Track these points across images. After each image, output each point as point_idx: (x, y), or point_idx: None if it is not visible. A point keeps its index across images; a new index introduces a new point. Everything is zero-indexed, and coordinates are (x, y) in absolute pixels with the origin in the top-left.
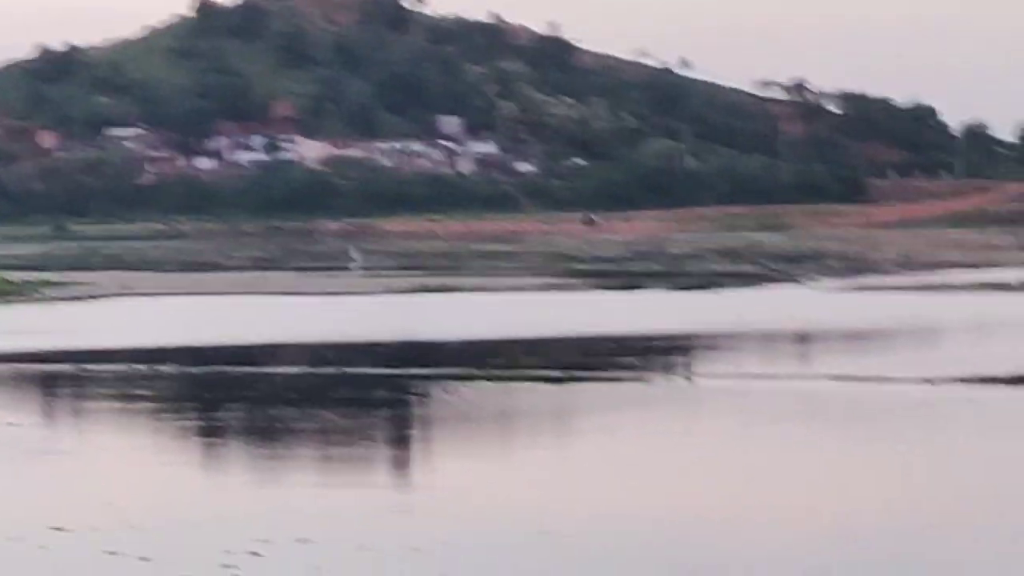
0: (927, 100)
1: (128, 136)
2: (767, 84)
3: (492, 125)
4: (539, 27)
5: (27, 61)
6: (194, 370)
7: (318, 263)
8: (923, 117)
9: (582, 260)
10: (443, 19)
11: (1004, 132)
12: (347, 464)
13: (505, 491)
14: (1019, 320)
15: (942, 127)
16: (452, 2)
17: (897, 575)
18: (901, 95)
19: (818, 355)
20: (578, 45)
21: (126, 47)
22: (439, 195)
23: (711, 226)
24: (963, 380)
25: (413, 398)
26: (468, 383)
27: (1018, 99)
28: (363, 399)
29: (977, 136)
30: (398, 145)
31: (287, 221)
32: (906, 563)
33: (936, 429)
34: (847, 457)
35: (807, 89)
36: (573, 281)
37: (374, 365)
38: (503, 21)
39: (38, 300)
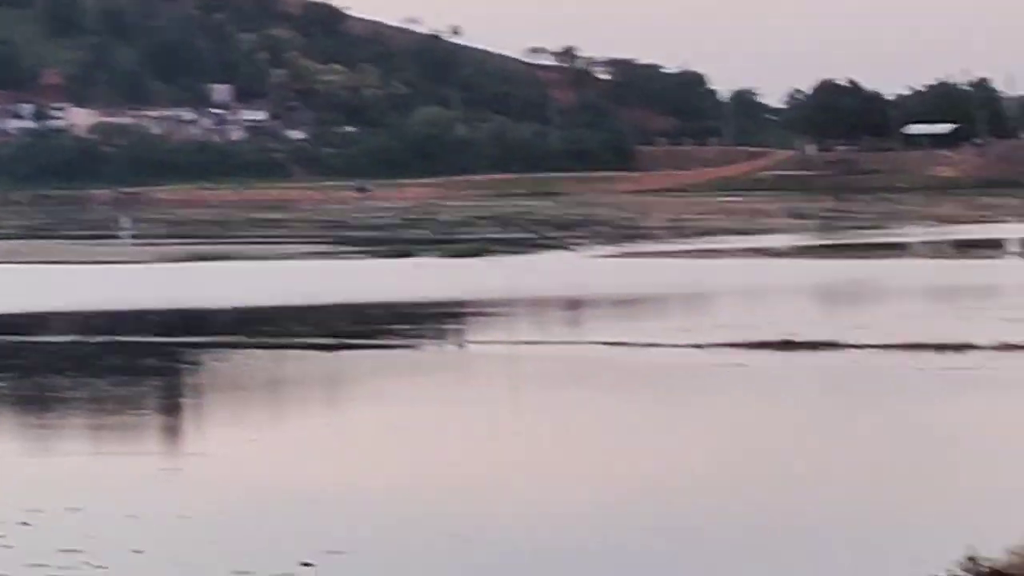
0: (696, 67)
1: None
2: (537, 51)
3: (262, 93)
4: None
5: None
6: None
7: (88, 231)
8: (692, 84)
9: (353, 228)
10: None
11: (773, 99)
12: (118, 433)
13: (274, 458)
14: (786, 285)
15: (711, 94)
16: None
17: (658, 527)
18: (670, 62)
19: (589, 321)
20: (348, 12)
21: None
22: (210, 163)
23: (482, 193)
24: (732, 345)
25: (184, 366)
26: (240, 351)
27: (786, 66)
28: (134, 367)
29: (745, 103)
30: (168, 113)
31: (57, 189)
32: (666, 515)
33: (704, 392)
34: (615, 419)
35: (577, 56)
36: (345, 249)
37: (145, 333)
38: None
39: None
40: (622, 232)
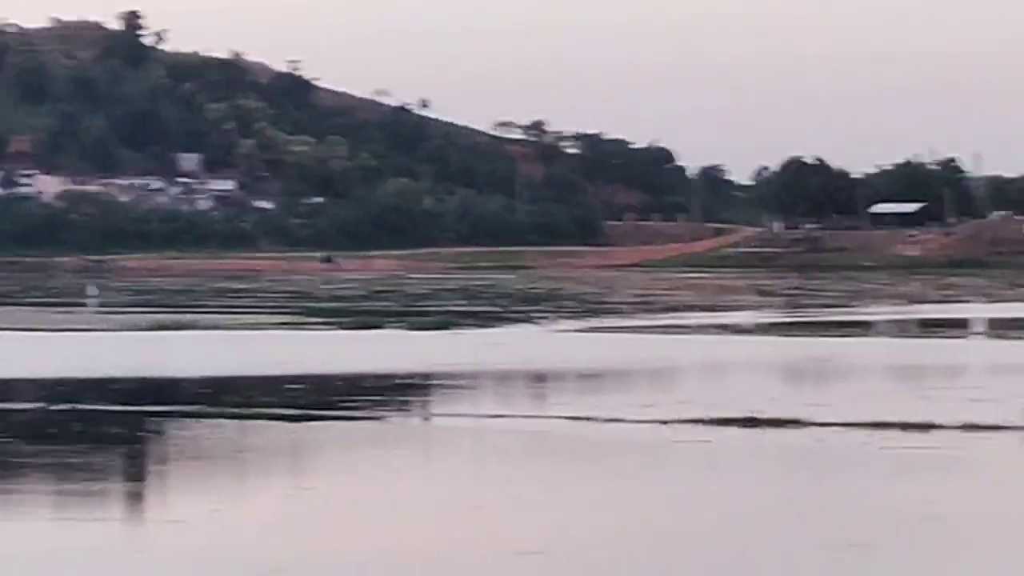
0: (664, 143)
1: None
2: (506, 125)
3: (231, 162)
4: (278, 65)
5: None
6: None
7: (54, 298)
8: (660, 159)
9: (320, 299)
10: (182, 55)
11: (740, 175)
12: (80, 501)
13: (238, 529)
14: (752, 362)
15: (679, 170)
16: (192, 39)
17: None
18: (638, 138)
19: (553, 395)
20: (317, 83)
21: None
22: (177, 232)
23: (448, 266)
24: (696, 421)
25: (148, 435)
26: (204, 420)
27: (753, 143)
28: (97, 435)
29: (713, 179)
30: (136, 181)
31: (23, 256)
32: None
33: (667, 468)
34: (577, 495)
35: (545, 130)
36: (310, 320)
37: (109, 402)
38: (242, 59)
39: None
40: (587, 306)
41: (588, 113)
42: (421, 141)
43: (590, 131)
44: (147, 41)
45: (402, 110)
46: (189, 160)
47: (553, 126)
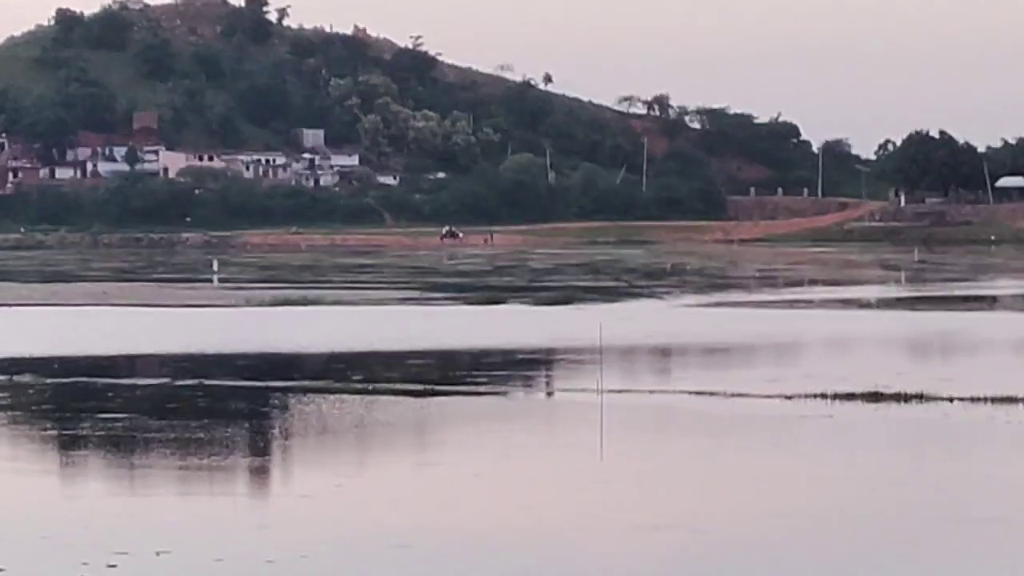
0: (789, 118)
1: None
2: (629, 99)
3: (355, 138)
4: (402, 40)
5: None
6: (52, 381)
7: (179, 274)
8: (785, 134)
9: (444, 274)
10: (306, 32)
11: (864, 150)
12: (206, 475)
13: (363, 504)
14: (875, 336)
15: (803, 144)
16: (315, 15)
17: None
18: (762, 112)
19: (677, 370)
20: (440, 59)
21: None
22: (301, 208)
23: (572, 241)
24: (821, 396)
25: (272, 410)
26: (328, 396)
27: (877, 117)
28: (222, 411)
29: (837, 153)
30: (260, 157)
31: (149, 232)
32: (759, 566)
33: (793, 443)
34: (702, 470)
35: (668, 105)
36: (435, 295)
37: (234, 377)
38: (366, 34)
39: None
40: (712, 281)
41: (711, 88)
42: (544, 116)
43: (713, 105)
44: (270, 17)
45: (526, 85)
46: (313, 136)
47: (676, 100)
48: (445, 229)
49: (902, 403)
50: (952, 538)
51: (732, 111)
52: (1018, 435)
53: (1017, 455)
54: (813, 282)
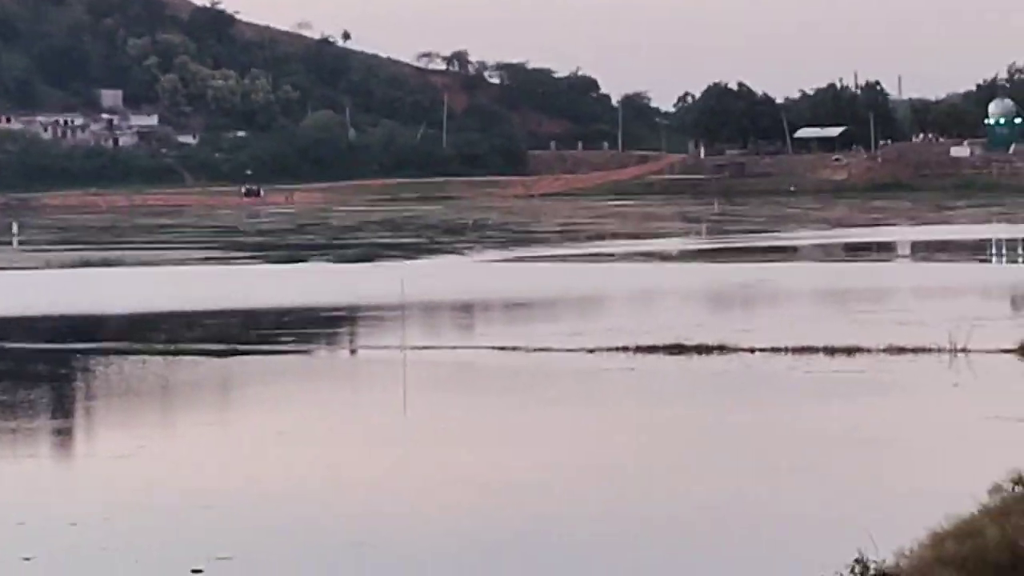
0: (589, 72)
1: None
2: (428, 56)
3: (153, 98)
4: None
5: None
6: None
7: None
8: (584, 88)
9: (245, 233)
10: None
11: (664, 103)
12: (8, 438)
13: (167, 465)
14: (678, 288)
15: (603, 98)
16: None
17: (547, 528)
18: (563, 66)
19: (480, 326)
20: (238, 17)
21: None
22: (101, 168)
23: (374, 198)
24: (623, 349)
25: (74, 372)
26: (130, 357)
27: (676, 71)
28: (23, 373)
29: (636, 107)
30: (59, 119)
31: None
32: (554, 516)
33: (597, 396)
34: (506, 425)
35: (468, 61)
36: (236, 254)
37: (36, 340)
38: None
39: None
40: (513, 236)
41: (511, 43)
42: (343, 73)
43: (513, 60)
44: None
45: (324, 42)
46: (111, 96)
47: (476, 56)
48: (245, 188)
49: (703, 355)
50: (756, 485)
51: (532, 66)
52: (818, 384)
53: (817, 404)
54: (614, 236)
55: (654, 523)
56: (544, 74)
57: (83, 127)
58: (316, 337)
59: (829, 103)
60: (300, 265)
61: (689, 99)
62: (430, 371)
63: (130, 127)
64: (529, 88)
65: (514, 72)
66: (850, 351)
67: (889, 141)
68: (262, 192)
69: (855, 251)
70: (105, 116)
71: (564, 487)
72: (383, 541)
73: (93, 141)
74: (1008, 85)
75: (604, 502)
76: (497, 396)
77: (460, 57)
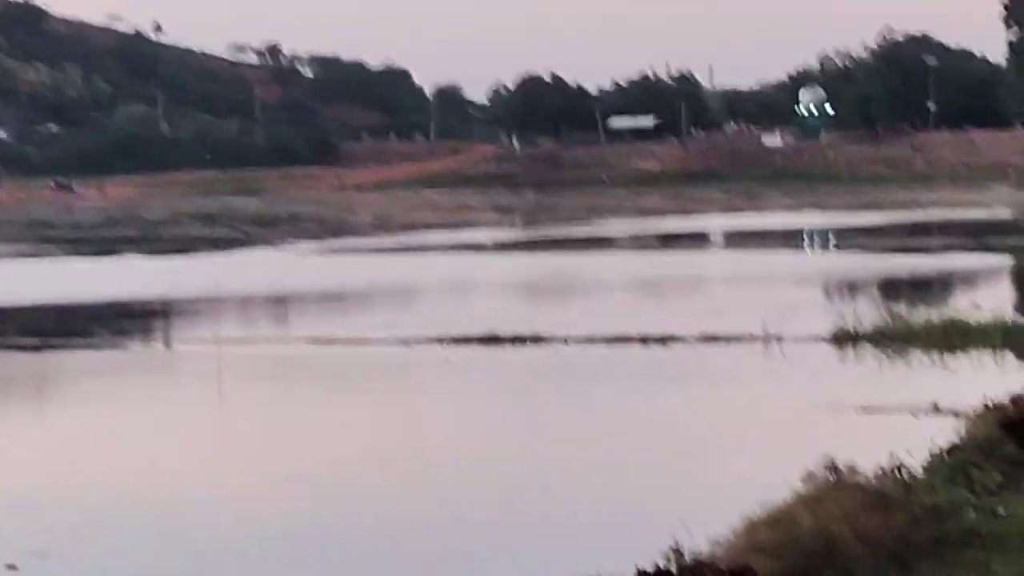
0: (401, 64)
1: None
2: (241, 49)
3: None
4: None
5: None
6: None
7: None
8: (396, 80)
9: (57, 227)
10: None
11: (478, 94)
12: None
13: None
14: (491, 280)
15: (416, 90)
16: None
17: (359, 521)
18: (375, 58)
19: (295, 318)
20: (49, 10)
21: None
22: None
23: (187, 191)
24: (438, 340)
25: None
26: None
27: (490, 63)
28: None
29: (450, 98)
30: None
31: None
32: (369, 509)
33: (412, 388)
34: (321, 418)
35: (281, 53)
36: (48, 248)
37: None
38: None
39: None
40: (327, 228)
41: (324, 35)
42: (156, 66)
43: (326, 53)
44: None
45: (136, 36)
46: None
47: (289, 49)
48: (56, 182)
49: (518, 345)
50: (569, 475)
51: (344, 58)
52: (633, 374)
53: (632, 393)
54: (428, 227)
55: (459, 514)
56: (357, 66)
57: None
58: (130, 331)
59: (641, 93)
60: (113, 259)
61: (503, 91)
62: (245, 364)
63: None
64: (342, 80)
65: (327, 65)
66: (665, 340)
67: (702, 131)
68: (74, 186)
69: (669, 241)
70: None
71: (371, 478)
72: (195, 533)
73: None
74: (819, 74)
75: (409, 493)
76: (311, 388)
77: (273, 50)
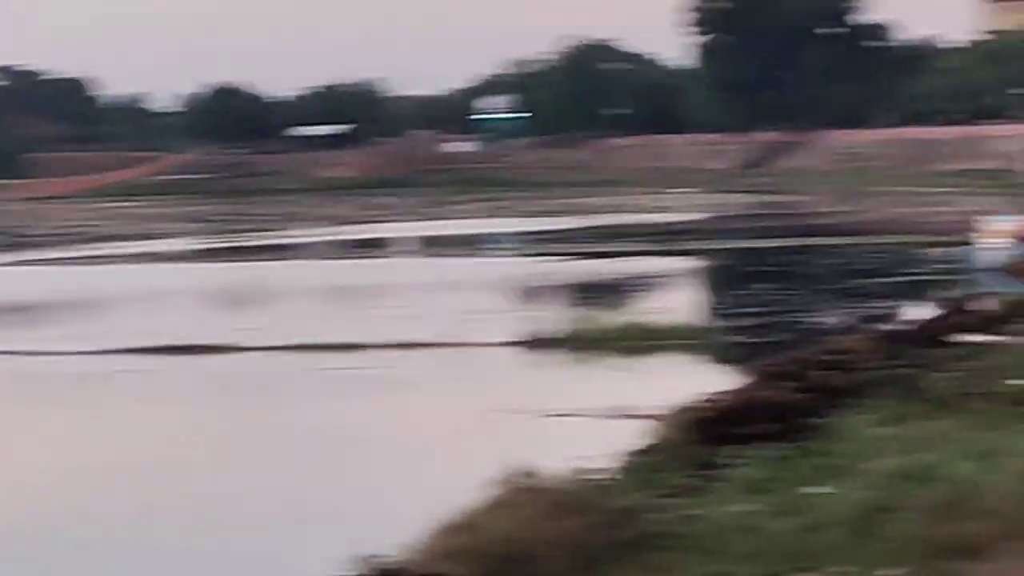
0: (85, 72)
1: None
2: None
3: None
4: None
5: None
6: None
7: None
8: (79, 89)
9: None
10: None
11: (167, 103)
12: None
13: None
14: (182, 289)
15: (101, 99)
16: None
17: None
18: (57, 68)
19: None
20: None
21: None
22: None
23: None
24: (128, 351)
25: None
26: None
27: (176, 73)
28: None
29: (137, 108)
30: None
31: None
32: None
33: (99, 400)
34: (6, 433)
35: None
36: None
37: None
38: None
39: None
40: (10, 240)
41: (4, 45)
42: None
43: (9, 63)
44: None
45: None
46: None
47: None
48: None
49: (206, 354)
50: (253, 485)
51: (25, 68)
52: (320, 382)
53: (319, 402)
54: (117, 237)
55: (132, 525)
56: (38, 76)
57: None
58: None
59: (327, 101)
60: None
61: (190, 100)
62: None
63: None
64: (24, 90)
65: (7, 74)
66: (352, 347)
67: (386, 138)
68: None
69: (357, 247)
70: None
71: (52, 491)
72: None
73: None
74: (506, 81)
75: (90, 504)
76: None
77: None
